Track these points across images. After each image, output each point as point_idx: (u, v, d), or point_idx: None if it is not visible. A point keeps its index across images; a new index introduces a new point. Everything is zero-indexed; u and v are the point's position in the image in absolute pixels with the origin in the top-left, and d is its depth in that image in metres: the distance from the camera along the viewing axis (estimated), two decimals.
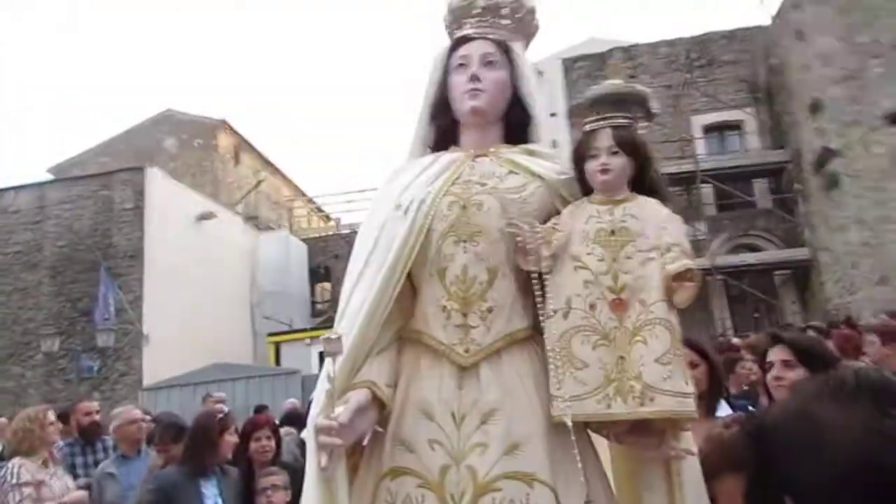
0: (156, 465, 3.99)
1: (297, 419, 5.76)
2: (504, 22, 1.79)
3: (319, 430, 1.41)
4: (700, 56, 17.42)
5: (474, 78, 1.72)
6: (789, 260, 15.54)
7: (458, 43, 1.80)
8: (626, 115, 1.64)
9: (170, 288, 14.80)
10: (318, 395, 1.49)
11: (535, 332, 1.59)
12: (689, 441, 1.52)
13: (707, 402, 2.57)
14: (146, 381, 13.88)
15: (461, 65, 1.76)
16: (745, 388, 4.39)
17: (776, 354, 2.48)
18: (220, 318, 16.34)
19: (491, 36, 1.77)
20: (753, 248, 16.24)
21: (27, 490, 3.53)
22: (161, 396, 12.04)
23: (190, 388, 11.88)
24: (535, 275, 1.57)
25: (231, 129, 22.24)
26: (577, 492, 1.46)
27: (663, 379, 1.42)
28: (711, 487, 1.49)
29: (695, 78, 17.00)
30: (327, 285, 20.76)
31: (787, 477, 0.74)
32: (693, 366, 2.70)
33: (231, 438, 3.79)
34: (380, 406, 1.56)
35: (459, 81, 1.75)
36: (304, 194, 26.01)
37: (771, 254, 15.84)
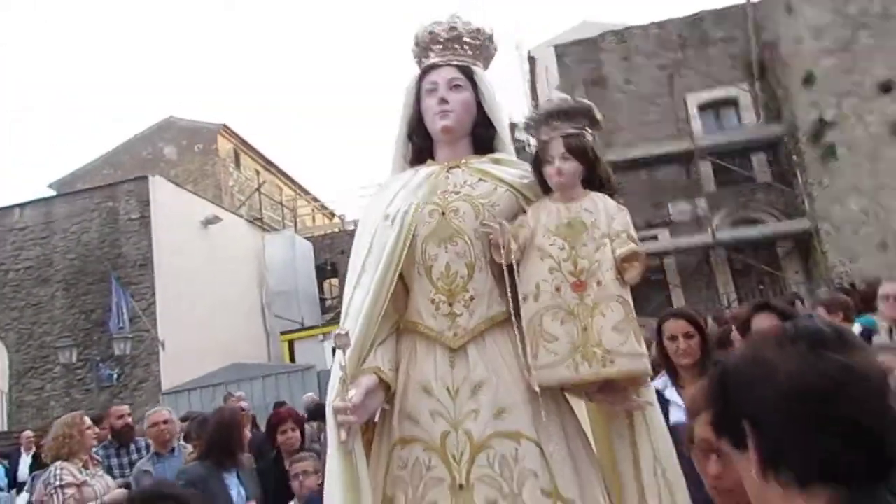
0: (192, 458, 4.22)
1: (320, 412, 6.02)
2: (465, 49, 2.07)
3: (337, 411, 1.68)
4: (692, 35, 17.48)
5: (443, 101, 2.00)
6: (790, 231, 15.70)
7: (426, 70, 2.08)
8: (575, 126, 1.92)
9: (181, 294, 15.05)
10: (333, 383, 1.78)
11: (511, 316, 1.86)
12: (651, 394, 1.81)
13: (699, 368, 2.84)
14: (164, 386, 14.16)
15: (431, 90, 2.04)
16: None
17: (762, 321, 2.71)
18: (233, 320, 16.61)
19: (454, 62, 2.05)
20: (755, 222, 16.39)
21: (70, 491, 3.73)
22: (181, 399, 12.29)
23: (209, 389, 12.14)
24: (507, 266, 1.84)
25: (231, 132, 22.45)
26: (559, 444, 1.77)
27: (620, 344, 1.71)
28: (694, 425, 1.74)
29: (688, 57, 17.08)
30: (335, 281, 21.00)
31: (743, 406, 0.94)
32: (688, 336, 2.98)
33: (247, 434, 4.03)
34: (385, 388, 1.84)
35: (430, 104, 2.03)
36: (306, 193, 26.22)
37: (772, 226, 16.01)
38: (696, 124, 16.95)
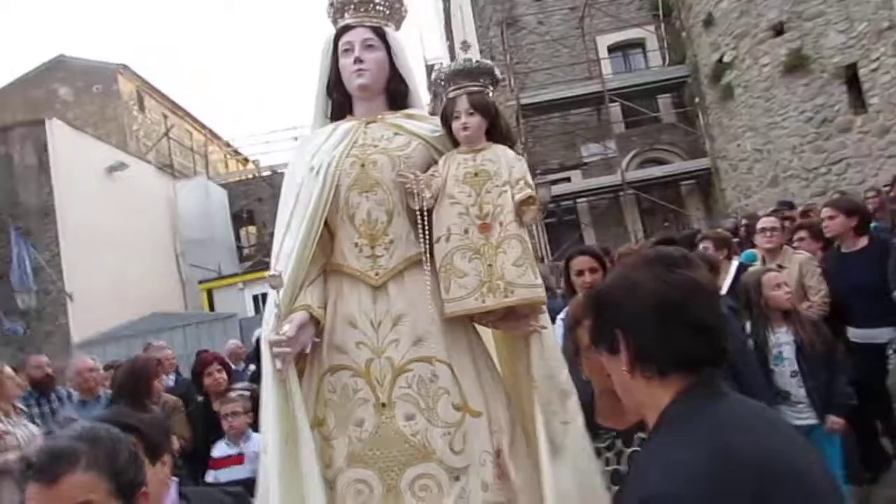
0: None
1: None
2: (378, 10, 2.22)
3: (272, 344, 1.89)
4: None
5: (358, 60, 2.16)
6: (693, 170, 16.53)
7: (341, 31, 2.22)
8: (477, 84, 2.14)
9: (88, 244, 14.48)
10: (268, 319, 1.98)
11: (427, 256, 2.07)
12: (546, 319, 2.06)
13: None
14: (75, 339, 13.74)
15: (346, 49, 2.19)
16: None
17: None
18: (146, 270, 16.16)
19: (368, 23, 2.20)
20: (660, 162, 17.15)
21: None
22: (96, 351, 11.91)
23: (126, 340, 11.91)
24: (420, 211, 2.05)
25: (132, 73, 21.24)
26: (468, 366, 2.03)
27: (519, 276, 1.96)
28: (576, 334, 2.01)
29: None
30: (252, 229, 20.64)
31: (616, 317, 1.19)
32: (593, 271, 3.33)
33: (160, 385, 4.04)
34: (315, 323, 2.03)
35: (347, 63, 2.19)
36: (218, 138, 25.29)
37: (676, 166, 16.80)
38: (606, 66, 17.38)
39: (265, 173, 20.08)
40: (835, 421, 3.27)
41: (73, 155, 15.01)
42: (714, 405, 1.10)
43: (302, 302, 2.00)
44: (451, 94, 2.14)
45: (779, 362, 3.37)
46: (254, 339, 6.93)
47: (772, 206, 9.77)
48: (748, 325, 3.48)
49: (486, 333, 2.19)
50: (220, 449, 3.72)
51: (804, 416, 3.30)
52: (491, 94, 2.16)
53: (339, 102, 2.28)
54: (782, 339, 3.38)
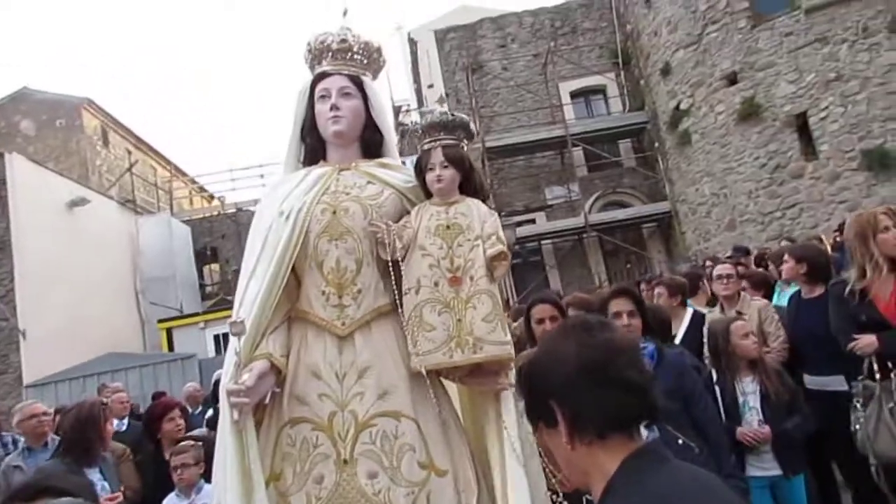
0: None
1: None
2: (356, 59, 2.23)
3: (230, 393, 1.83)
4: (563, 24, 18.32)
5: (335, 107, 2.16)
6: (653, 213, 16.87)
7: (318, 77, 2.22)
8: (452, 137, 2.16)
9: (45, 280, 14.07)
10: (228, 367, 1.92)
11: (396, 307, 2.06)
12: (514, 377, 2.03)
13: None
14: (28, 378, 13.26)
15: (323, 96, 2.19)
16: None
17: (622, 305, 3.01)
18: (104, 308, 15.73)
19: (345, 72, 2.21)
20: (622, 205, 17.45)
21: None
22: (48, 392, 11.60)
23: (79, 380, 11.55)
24: (392, 262, 2.05)
25: (96, 107, 21.01)
26: (434, 422, 1.98)
27: (489, 332, 1.95)
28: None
29: (559, 46, 17.88)
30: (215, 266, 20.30)
31: (547, 389, 1.20)
32: (553, 319, 3.38)
33: (111, 427, 3.89)
34: (277, 372, 1.98)
35: (323, 110, 2.19)
36: (183, 174, 25.02)
37: (637, 209, 17.10)
38: (569, 111, 17.83)
39: (230, 210, 19.89)
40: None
41: (32, 189, 14.70)
42: (655, 475, 1.11)
43: (263, 350, 1.95)
44: (426, 146, 2.15)
45: (745, 411, 3.38)
46: (212, 382, 6.79)
47: (730, 249, 10.07)
48: (713, 374, 3.49)
49: (452, 387, 2.16)
50: (170, 501, 3.55)
51: (768, 467, 3.30)
52: (465, 148, 2.18)
53: (312, 147, 2.26)
54: (748, 389, 3.39)
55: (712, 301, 5.34)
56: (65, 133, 20.15)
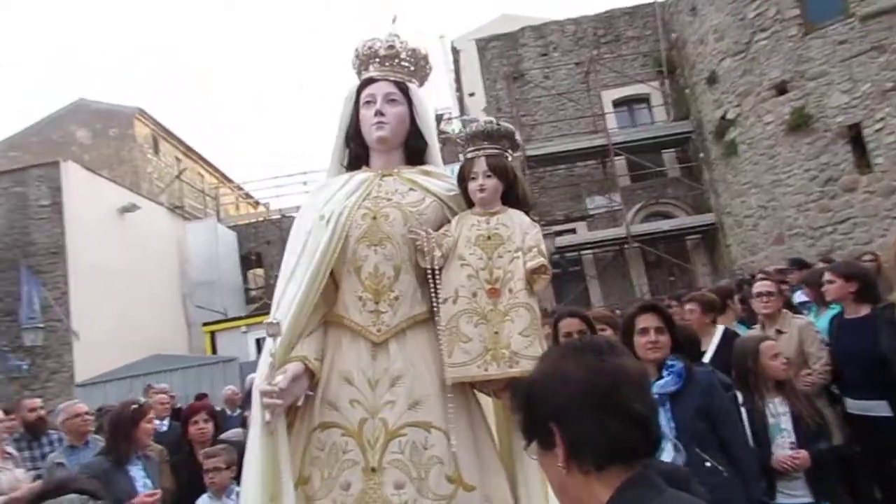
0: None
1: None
2: (402, 66, 2.23)
3: (264, 394, 1.84)
4: (606, 33, 18.12)
5: (379, 113, 2.16)
6: (698, 225, 16.50)
7: (365, 83, 2.23)
8: (497, 147, 2.13)
9: (97, 283, 14.57)
10: (262, 368, 1.93)
11: (432, 316, 2.05)
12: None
13: None
14: (79, 378, 13.72)
15: (368, 101, 2.19)
16: None
17: (649, 321, 2.90)
18: (152, 311, 16.19)
19: (391, 78, 2.21)
20: (666, 216, 17.13)
21: None
22: (97, 391, 11.95)
23: (126, 381, 11.86)
24: (430, 271, 2.03)
25: (148, 116, 21.68)
26: (466, 436, 1.96)
27: (525, 347, 1.92)
28: None
29: (602, 54, 17.70)
30: (260, 271, 20.68)
31: (547, 410, 1.15)
32: (581, 333, 3.30)
33: (149, 426, 3.97)
34: (310, 375, 1.99)
35: (368, 115, 2.19)
36: (229, 181, 25.61)
37: (681, 220, 16.76)
38: (611, 120, 17.60)
39: (275, 216, 20.25)
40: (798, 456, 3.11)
41: (85, 196, 15.24)
42: None
43: (298, 352, 1.96)
44: (469, 155, 2.13)
45: (775, 434, 3.20)
46: (247, 385, 6.90)
47: (778, 263, 9.76)
48: (737, 395, 3.32)
49: (487, 401, 2.13)
50: (203, 503, 3.60)
51: (799, 494, 3.12)
52: (510, 158, 2.15)
53: (356, 153, 2.26)
54: (779, 410, 3.23)
55: (746, 319, 5.20)
56: (118, 142, 20.83)
